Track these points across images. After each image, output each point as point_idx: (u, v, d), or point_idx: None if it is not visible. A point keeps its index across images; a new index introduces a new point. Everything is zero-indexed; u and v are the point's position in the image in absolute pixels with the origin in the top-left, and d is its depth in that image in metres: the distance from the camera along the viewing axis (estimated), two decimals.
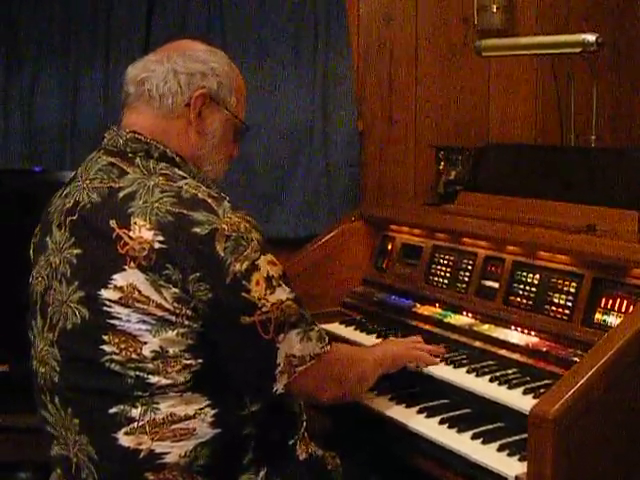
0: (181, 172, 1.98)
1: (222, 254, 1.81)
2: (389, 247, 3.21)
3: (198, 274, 1.80)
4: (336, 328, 2.96)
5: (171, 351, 1.83)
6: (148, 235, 1.82)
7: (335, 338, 2.86)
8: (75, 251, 1.92)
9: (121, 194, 1.89)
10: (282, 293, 1.89)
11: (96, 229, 1.90)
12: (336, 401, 2.13)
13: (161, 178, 1.91)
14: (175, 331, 1.83)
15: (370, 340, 2.77)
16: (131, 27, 3.66)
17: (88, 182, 1.97)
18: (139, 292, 1.82)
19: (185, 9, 3.68)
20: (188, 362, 1.85)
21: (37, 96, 3.64)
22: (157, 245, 1.81)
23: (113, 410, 1.85)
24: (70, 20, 3.63)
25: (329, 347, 2.01)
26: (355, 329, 2.93)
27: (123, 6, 3.65)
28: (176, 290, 1.81)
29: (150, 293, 1.82)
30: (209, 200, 1.87)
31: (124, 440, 1.85)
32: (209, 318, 1.84)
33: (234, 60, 3.55)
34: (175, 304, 1.82)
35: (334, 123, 3.76)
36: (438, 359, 2.52)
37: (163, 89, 2.03)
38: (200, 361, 1.86)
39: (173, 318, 1.82)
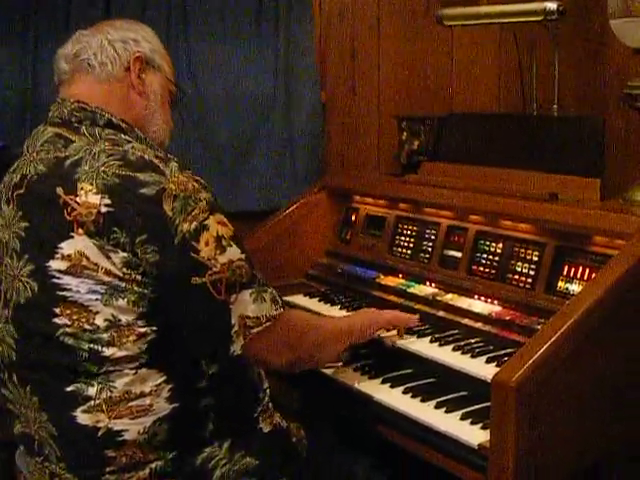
0: (127, 137, 1.99)
1: (170, 214, 1.81)
2: (353, 218, 3.21)
3: (145, 236, 1.80)
4: (300, 300, 2.96)
5: (124, 319, 1.83)
6: (95, 199, 1.82)
7: (299, 310, 2.87)
8: (23, 224, 1.91)
9: (67, 162, 1.89)
10: (232, 253, 1.88)
11: (43, 199, 1.89)
12: (291, 368, 2.10)
13: (107, 143, 1.92)
14: (125, 299, 1.82)
15: (334, 312, 2.77)
16: (91, 1, 3.60)
17: (35, 154, 1.97)
18: (87, 259, 1.81)
19: None
20: (142, 330, 1.84)
21: None
22: (104, 209, 1.81)
23: (70, 389, 1.85)
24: None
25: (283, 310, 1.99)
26: (319, 301, 2.92)
27: None
28: (125, 254, 1.80)
29: (98, 259, 1.81)
30: (156, 161, 1.88)
31: (82, 418, 1.85)
32: (159, 281, 1.83)
33: (196, 29, 3.54)
34: (124, 269, 1.81)
35: (296, 94, 3.73)
36: (416, 316, 2.53)
37: (101, 57, 2.07)
38: (154, 329, 1.85)
39: (123, 284, 1.81)
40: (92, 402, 1.84)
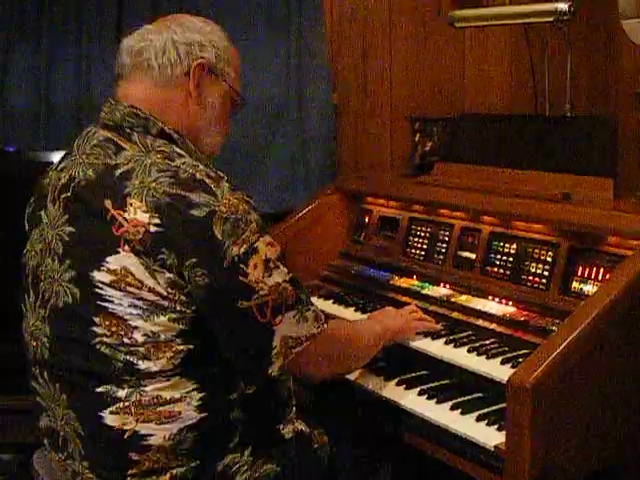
0: (179, 150, 1.94)
1: (220, 237, 1.78)
2: (366, 220, 3.21)
3: (195, 259, 1.78)
4: (314, 302, 2.94)
5: (162, 336, 1.82)
6: (144, 218, 1.79)
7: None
8: (68, 229, 1.90)
9: (117, 172, 1.86)
10: (279, 276, 1.86)
11: (91, 208, 1.87)
12: (331, 378, 2.13)
13: (158, 156, 1.88)
14: (167, 316, 1.81)
15: (348, 313, 2.78)
16: (103, 2, 3.62)
17: (85, 157, 1.94)
18: (132, 276, 1.80)
19: None
20: (180, 348, 1.83)
21: (9, 75, 3.60)
22: (153, 229, 1.78)
23: (100, 389, 1.85)
24: None
25: (325, 326, 1.99)
26: (333, 302, 2.92)
27: None
28: (170, 275, 1.79)
29: (143, 278, 1.79)
30: (207, 180, 1.84)
31: (109, 419, 1.85)
32: (205, 303, 1.82)
33: None
34: (169, 289, 1.80)
35: (309, 96, 3.74)
36: (439, 325, 2.54)
37: (162, 59, 2.00)
38: (191, 347, 1.84)
39: (166, 303, 1.80)
40: (121, 404, 1.83)
